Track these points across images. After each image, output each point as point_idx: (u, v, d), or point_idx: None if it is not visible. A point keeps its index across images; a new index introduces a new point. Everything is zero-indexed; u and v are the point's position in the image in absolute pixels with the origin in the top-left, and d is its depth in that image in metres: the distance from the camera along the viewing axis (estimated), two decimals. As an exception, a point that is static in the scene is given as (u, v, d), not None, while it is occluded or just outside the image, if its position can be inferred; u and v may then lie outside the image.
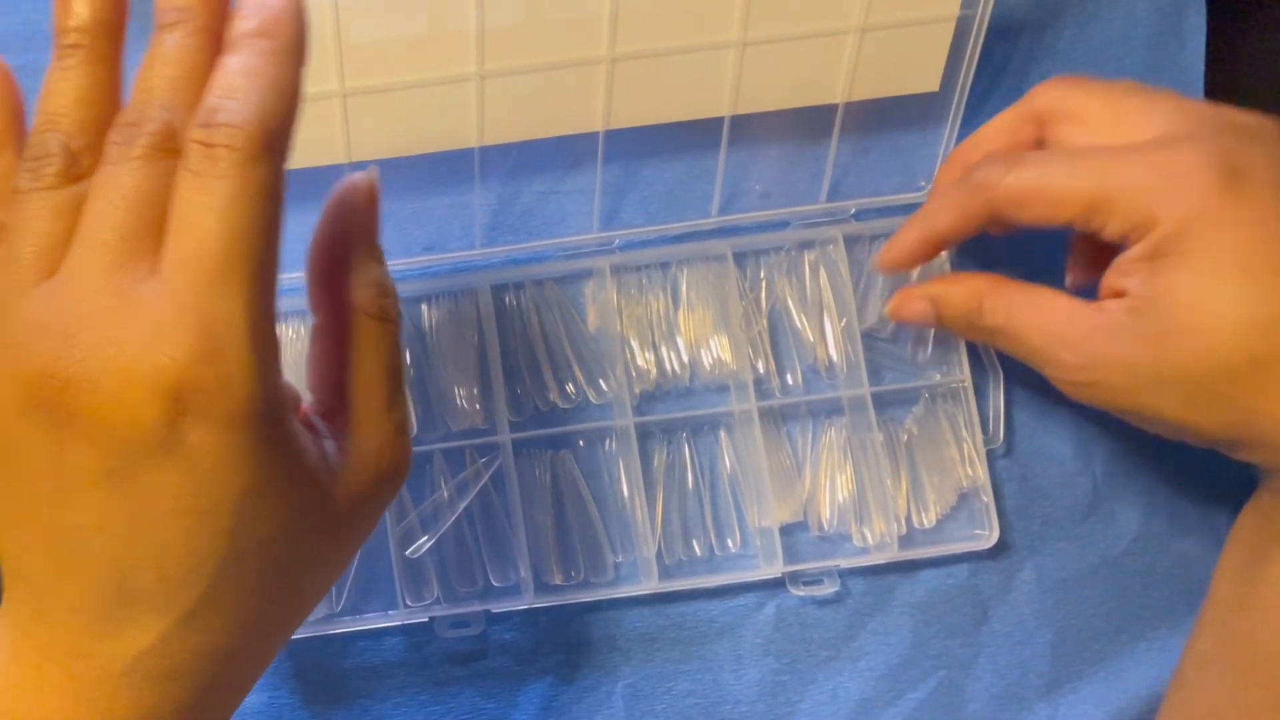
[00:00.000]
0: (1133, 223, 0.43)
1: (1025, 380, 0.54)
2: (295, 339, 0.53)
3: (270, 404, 0.33)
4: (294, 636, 0.51)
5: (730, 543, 0.53)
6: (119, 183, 0.33)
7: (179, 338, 0.31)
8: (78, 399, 0.31)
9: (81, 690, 0.33)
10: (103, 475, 0.32)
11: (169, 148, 0.33)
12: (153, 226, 0.32)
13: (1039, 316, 0.46)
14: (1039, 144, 0.48)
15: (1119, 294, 0.44)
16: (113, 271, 0.32)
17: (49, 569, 0.33)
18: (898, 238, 0.50)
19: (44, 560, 0.33)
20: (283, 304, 0.53)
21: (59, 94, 0.35)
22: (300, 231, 0.54)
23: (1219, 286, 0.42)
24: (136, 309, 0.31)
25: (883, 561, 0.53)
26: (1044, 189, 0.45)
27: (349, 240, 0.39)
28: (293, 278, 0.53)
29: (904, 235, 0.50)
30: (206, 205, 0.32)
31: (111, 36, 0.35)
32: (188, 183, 0.32)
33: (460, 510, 0.52)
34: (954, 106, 0.52)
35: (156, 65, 0.34)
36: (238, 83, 0.33)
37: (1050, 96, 0.48)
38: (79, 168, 0.34)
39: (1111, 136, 0.45)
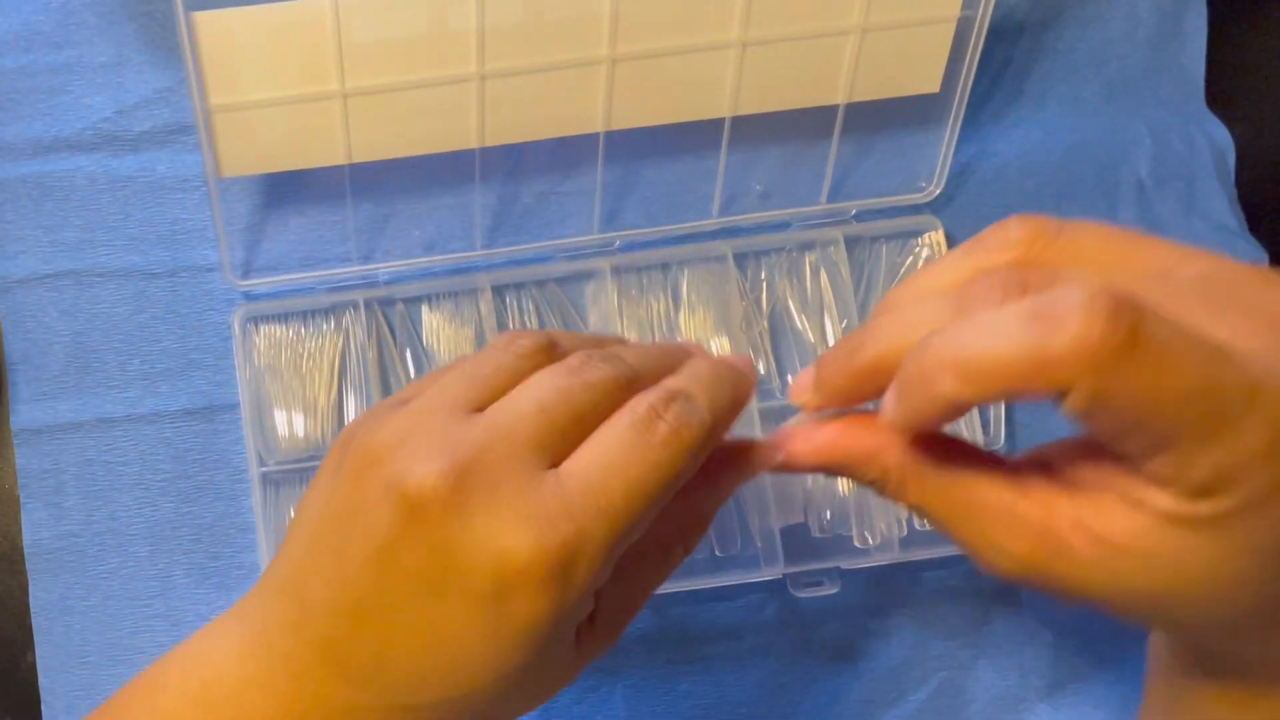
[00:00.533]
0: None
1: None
2: (295, 339, 0.53)
3: (576, 614, 0.36)
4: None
5: (731, 544, 0.53)
6: (572, 390, 0.36)
7: (552, 535, 0.33)
8: (445, 523, 0.33)
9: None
10: (426, 588, 0.34)
11: (622, 395, 0.36)
12: (577, 436, 0.35)
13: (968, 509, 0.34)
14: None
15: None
16: (532, 449, 0.35)
17: (327, 615, 0.35)
18: (829, 368, 0.38)
19: (327, 606, 0.35)
20: (284, 304, 0.53)
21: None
22: (299, 233, 0.54)
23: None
24: (533, 488, 0.34)
25: (884, 562, 0.53)
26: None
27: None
28: (293, 278, 0.53)
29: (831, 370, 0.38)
30: (631, 453, 0.35)
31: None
32: (625, 427, 0.35)
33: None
34: (955, 107, 0.52)
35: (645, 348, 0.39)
36: (705, 379, 0.37)
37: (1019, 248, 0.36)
38: (551, 357, 0.38)
39: None
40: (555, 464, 0.35)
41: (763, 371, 0.54)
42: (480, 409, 0.36)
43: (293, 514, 0.51)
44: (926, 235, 0.55)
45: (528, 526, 0.33)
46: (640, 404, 0.35)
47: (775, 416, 0.54)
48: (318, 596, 0.35)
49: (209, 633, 0.38)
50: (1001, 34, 0.57)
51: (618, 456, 0.35)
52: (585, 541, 0.34)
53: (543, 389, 0.36)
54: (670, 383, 0.37)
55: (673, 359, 0.39)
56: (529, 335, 0.38)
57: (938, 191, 0.55)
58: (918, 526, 0.53)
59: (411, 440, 0.35)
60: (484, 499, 0.33)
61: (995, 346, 0.29)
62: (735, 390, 0.38)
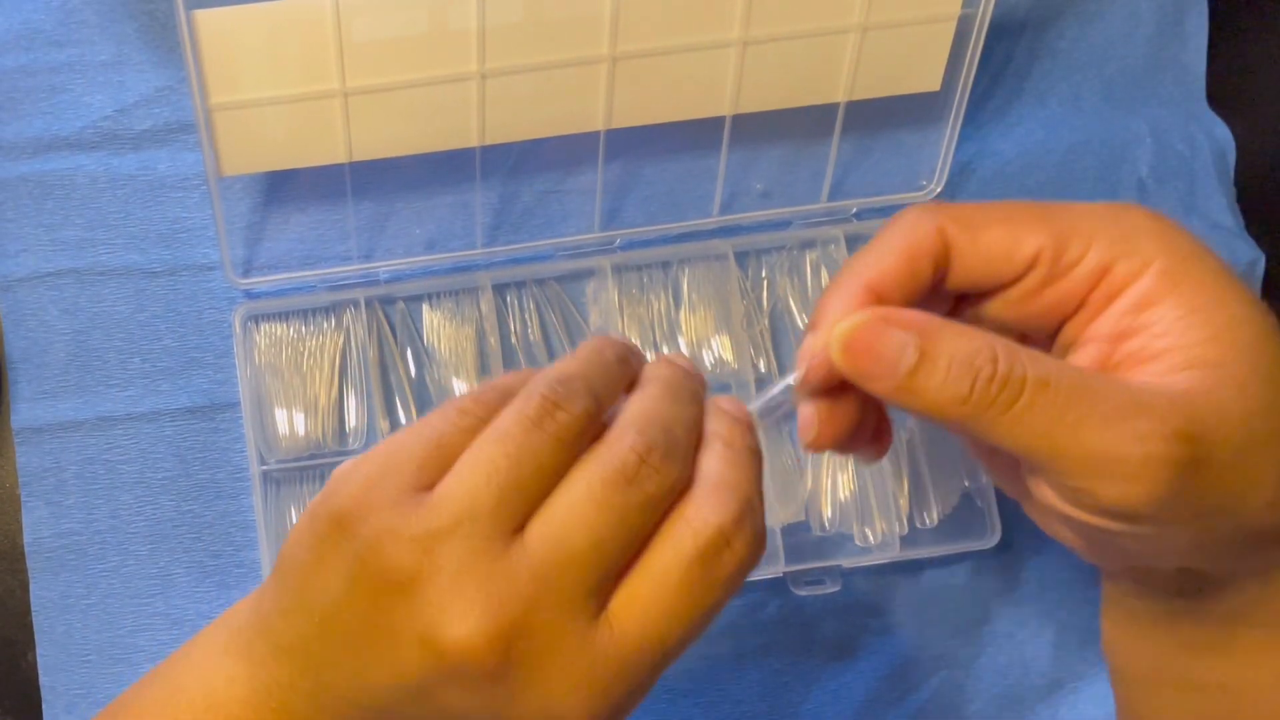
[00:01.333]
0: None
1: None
2: (296, 337, 0.53)
3: None
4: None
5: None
6: (629, 512, 0.32)
7: (604, 704, 0.32)
8: (494, 689, 0.32)
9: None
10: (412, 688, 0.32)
11: (666, 504, 0.33)
12: (620, 568, 0.32)
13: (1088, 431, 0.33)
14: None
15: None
16: (585, 597, 0.32)
17: (313, 668, 0.33)
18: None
19: (313, 655, 0.33)
20: (284, 303, 0.53)
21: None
22: (300, 232, 0.54)
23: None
24: (586, 653, 0.32)
25: (885, 561, 0.53)
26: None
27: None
28: (294, 276, 0.53)
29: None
30: (685, 597, 0.32)
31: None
32: (678, 570, 0.32)
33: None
34: (955, 105, 0.52)
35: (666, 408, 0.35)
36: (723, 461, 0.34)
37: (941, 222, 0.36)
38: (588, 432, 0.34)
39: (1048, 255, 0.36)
40: (604, 604, 0.32)
41: (763, 369, 0.54)
42: (520, 524, 0.32)
43: (294, 515, 0.51)
44: (927, 234, 0.55)
45: (584, 697, 0.31)
46: (685, 539, 0.32)
47: (778, 416, 0.54)
48: (339, 696, 0.33)
49: (213, 665, 0.35)
50: (1002, 32, 0.57)
51: (676, 603, 0.32)
52: (637, 700, 0.33)
53: (594, 516, 0.32)
54: (715, 516, 0.33)
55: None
56: (569, 406, 0.33)
57: (938, 190, 0.55)
58: (919, 526, 0.53)
59: (443, 575, 0.31)
60: (534, 669, 0.31)
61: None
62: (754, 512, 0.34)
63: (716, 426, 0.35)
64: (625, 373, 0.36)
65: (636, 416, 0.34)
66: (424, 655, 0.31)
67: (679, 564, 0.32)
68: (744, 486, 0.33)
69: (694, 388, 0.36)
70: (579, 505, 0.32)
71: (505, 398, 0.34)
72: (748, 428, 0.36)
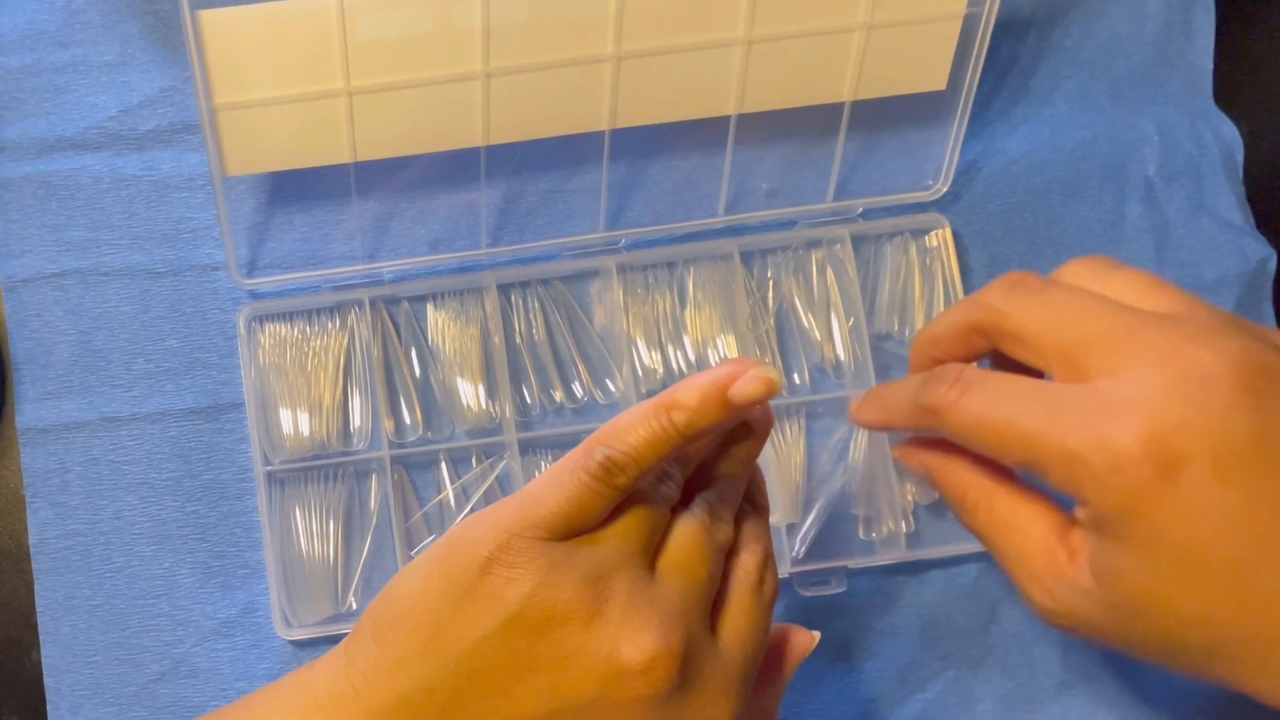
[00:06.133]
0: (1068, 490, 0.39)
1: (1033, 379, 0.54)
2: (300, 337, 0.53)
3: None
4: (302, 637, 0.51)
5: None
6: (716, 554, 0.40)
7: (725, 703, 0.38)
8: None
9: None
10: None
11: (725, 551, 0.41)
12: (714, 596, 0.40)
13: (1014, 543, 0.42)
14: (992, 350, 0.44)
15: (1077, 550, 0.40)
16: (705, 607, 0.39)
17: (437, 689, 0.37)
18: (865, 405, 0.47)
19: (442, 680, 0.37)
20: (289, 304, 0.53)
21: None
22: (304, 232, 0.54)
23: (1164, 585, 0.37)
24: (717, 655, 0.38)
25: (890, 561, 0.53)
26: (986, 427, 0.40)
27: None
28: (298, 276, 0.53)
29: (867, 410, 0.47)
30: (755, 621, 0.40)
31: None
32: (761, 609, 0.40)
33: (467, 510, 0.52)
34: (961, 104, 0.52)
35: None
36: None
37: (990, 308, 0.42)
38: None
39: (1056, 366, 0.40)
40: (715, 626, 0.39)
41: (769, 370, 0.54)
42: (654, 560, 0.39)
43: (299, 515, 0.51)
44: (933, 233, 0.55)
45: (724, 704, 0.38)
46: (748, 577, 0.40)
47: (783, 415, 0.54)
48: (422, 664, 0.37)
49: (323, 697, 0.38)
50: (1008, 31, 0.56)
51: (755, 622, 0.40)
52: (745, 706, 0.39)
53: (704, 553, 0.39)
54: (755, 559, 0.41)
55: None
56: (675, 475, 0.40)
57: (944, 189, 0.55)
58: (924, 525, 0.53)
59: (614, 605, 0.37)
60: (693, 682, 0.37)
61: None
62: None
63: (752, 495, 0.43)
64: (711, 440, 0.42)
65: (713, 498, 0.41)
66: (603, 676, 0.36)
67: (748, 594, 0.40)
68: (765, 538, 0.42)
69: (754, 454, 0.43)
70: (691, 545, 0.39)
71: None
72: (761, 484, 0.44)
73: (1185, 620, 0.38)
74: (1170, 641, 0.39)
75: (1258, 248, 0.56)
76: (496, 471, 0.52)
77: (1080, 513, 0.39)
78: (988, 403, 0.40)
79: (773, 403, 0.53)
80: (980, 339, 0.43)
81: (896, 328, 0.55)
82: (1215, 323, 0.39)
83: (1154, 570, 0.37)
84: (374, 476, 0.52)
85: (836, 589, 0.53)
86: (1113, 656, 0.53)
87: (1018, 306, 0.41)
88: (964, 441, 0.41)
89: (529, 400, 0.53)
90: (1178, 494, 0.36)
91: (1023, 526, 0.42)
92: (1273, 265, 0.56)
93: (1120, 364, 0.38)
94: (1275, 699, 0.38)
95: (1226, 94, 0.58)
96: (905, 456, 0.47)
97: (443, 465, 0.53)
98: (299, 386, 0.52)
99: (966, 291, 0.55)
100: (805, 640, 0.43)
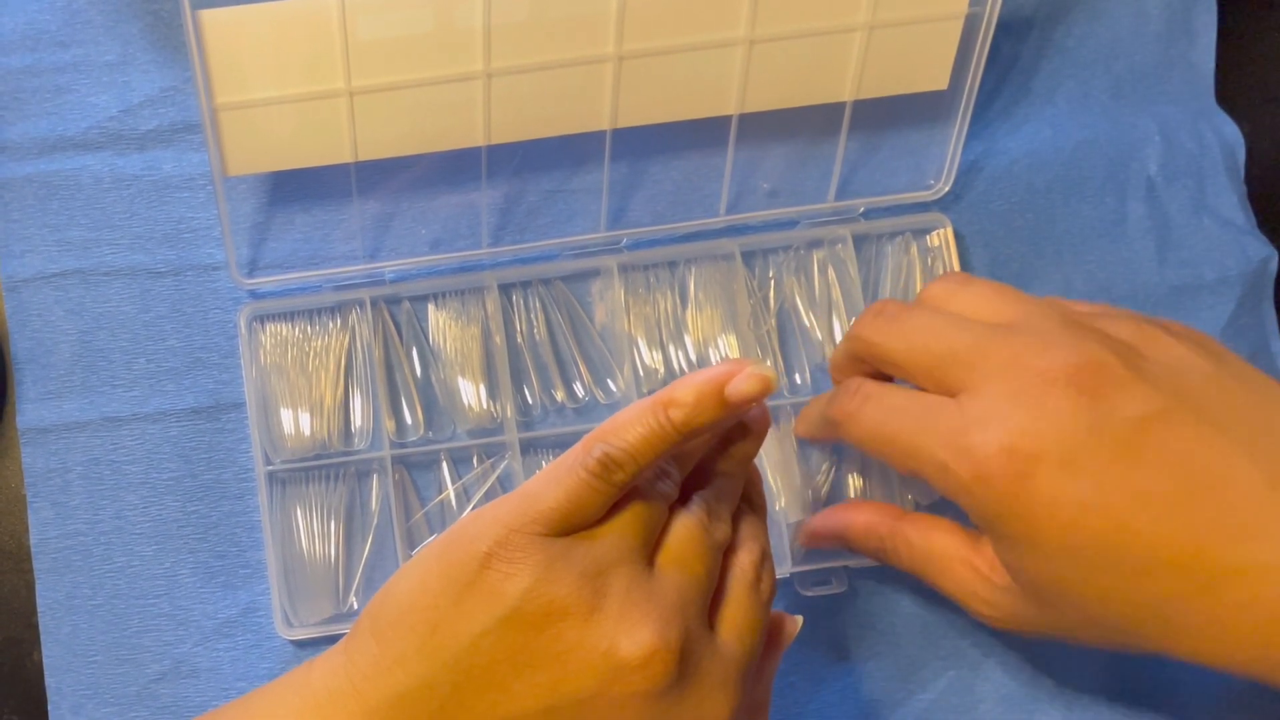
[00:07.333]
0: (950, 498, 0.43)
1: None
2: (301, 337, 0.53)
3: None
4: (303, 637, 0.51)
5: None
6: (713, 551, 0.40)
7: (723, 699, 0.38)
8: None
9: None
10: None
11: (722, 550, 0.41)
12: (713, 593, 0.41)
13: (939, 566, 0.46)
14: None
15: (989, 555, 0.44)
16: (704, 603, 0.39)
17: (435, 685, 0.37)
18: (798, 420, 0.52)
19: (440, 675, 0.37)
20: (290, 303, 0.53)
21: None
22: (305, 231, 0.54)
23: (1057, 570, 0.42)
24: (715, 651, 0.39)
25: (892, 561, 0.53)
26: (878, 438, 0.45)
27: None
28: (299, 276, 0.53)
29: (798, 424, 0.52)
30: (760, 611, 0.41)
31: None
32: (760, 606, 0.41)
33: (469, 509, 0.52)
34: (963, 104, 0.52)
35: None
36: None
37: (860, 339, 0.47)
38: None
39: (927, 384, 0.45)
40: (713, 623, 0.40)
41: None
42: (652, 556, 0.39)
43: (300, 515, 0.51)
44: (935, 233, 0.55)
45: (722, 700, 0.38)
46: (744, 574, 0.41)
47: (784, 415, 0.54)
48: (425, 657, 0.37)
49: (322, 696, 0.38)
50: (1009, 30, 0.56)
51: (752, 618, 0.40)
52: (742, 702, 0.40)
53: (701, 550, 0.40)
54: (752, 557, 0.42)
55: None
56: (673, 474, 0.40)
57: (946, 189, 0.55)
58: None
59: (612, 600, 0.37)
60: (691, 677, 0.38)
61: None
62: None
63: (749, 494, 0.44)
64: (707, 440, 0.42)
65: (710, 496, 0.42)
66: (602, 671, 0.36)
67: (746, 591, 0.40)
68: (762, 537, 0.42)
69: (751, 454, 0.43)
70: (688, 542, 0.39)
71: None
72: (758, 483, 0.44)
73: (1089, 599, 0.41)
74: (1091, 623, 0.42)
75: (1259, 247, 0.56)
76: (498, 471, 0.52)
77: (972, 519, 0.43)
78: (878, 415, 0.45)
79: (775, 402, 0.53)
80: (865, 365, 0.47)
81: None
82: (1048, 328, 0.43)
83: (1044, 559, 0.41)
84: (375, 476, 0.52)
85: (838, 589, 0.53)
86: (1114, 657, 0.53)
87: (883, 336, 0.45)
88: (864, 450, 0.46)
89: (530, 400, 0.53)
90: (1037, 492, 0.41)
91: (941, 549, 0.46)
92: (1274, 265, 0.56)
93: (973, 380, 0.42)
94: (1191, 657, 0.41)
95: (1228, 93, 0.58)
96: (813, 542, 0.51)
97: (444, 465, 0.53)
98: (300, 386, 0.52)
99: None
100: (790, 626, 0.44)
